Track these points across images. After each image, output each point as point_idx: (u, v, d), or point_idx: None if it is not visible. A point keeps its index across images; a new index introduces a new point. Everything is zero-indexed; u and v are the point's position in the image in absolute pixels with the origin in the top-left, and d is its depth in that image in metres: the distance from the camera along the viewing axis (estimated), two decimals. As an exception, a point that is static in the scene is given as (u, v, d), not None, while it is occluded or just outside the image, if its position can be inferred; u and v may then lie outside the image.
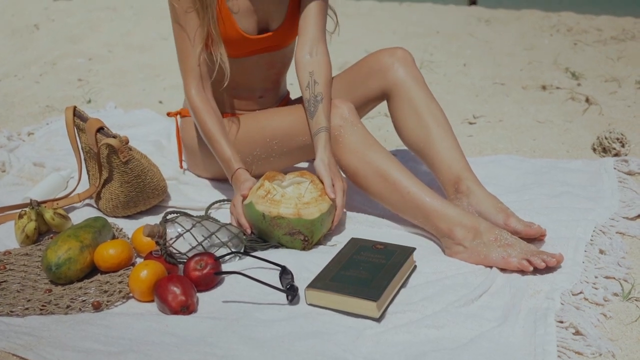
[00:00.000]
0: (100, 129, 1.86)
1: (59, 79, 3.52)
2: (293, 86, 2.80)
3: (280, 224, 1.60)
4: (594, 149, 2.37)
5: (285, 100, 2.17)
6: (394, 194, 1.69)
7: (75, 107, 1.96)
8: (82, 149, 1.97)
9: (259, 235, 1.67)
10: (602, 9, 7.03)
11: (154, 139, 2.46)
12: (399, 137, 1.97)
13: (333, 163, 1.74)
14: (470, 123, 2.77)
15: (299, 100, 2.09)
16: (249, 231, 1.67)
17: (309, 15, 1.90)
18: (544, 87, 3.24)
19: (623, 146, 2.28)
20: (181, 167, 2.19)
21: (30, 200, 1.82)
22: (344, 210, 1.82)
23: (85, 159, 1.98)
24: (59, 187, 2.08)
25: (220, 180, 2.10)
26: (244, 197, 1.68)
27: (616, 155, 2.28)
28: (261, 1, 1.87)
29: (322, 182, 1.69)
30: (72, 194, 1.98)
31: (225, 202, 1.96)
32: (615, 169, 2.12)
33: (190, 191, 2.07)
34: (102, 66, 3.82)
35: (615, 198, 1.90)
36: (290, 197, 1.62)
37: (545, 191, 1.97)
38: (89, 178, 1.98)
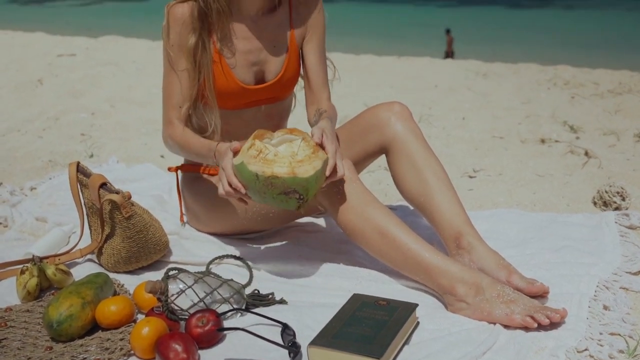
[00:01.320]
0: (103, 185, 1.87)
1: (61, 134, 3.55)
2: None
3: (274, 183, 1.53)
4: (595, 203, 2.38)
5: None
6: (394, 251, 1.68)
7: (78, 163, 1.97)
8: (84, 204, 1.97)
9: (252, 195, 1.60)
10: (598, 62, 7.16)
11: (155, 193, 2.47)
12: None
13: (329, 128, 1.74)
14: (470, 177, 2.78)
15: None
16: (243, 190, 1.60)
17: (312, 67, 1.95)
18: (542, 141, 3.27)
19: (624, 200, 2.29)
20: (182, 221, 2.19)
21: (32, 255, 1.81)
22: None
23: (87, 214, 1.98)
24: (61, 243, 2.07)
25: (222, 235, 2.10)
26: (236, 152, 1.62)
27: (617, 209, 2.28)
28: (259, 52, 1.91)
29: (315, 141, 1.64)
30: (74, 250, 1.98)
31: (227, 258, 1.95)
32: (616, 222, 2.12)
33: (191, 246, 2.07)
34: (104, 121, 3.86)
35: (617, 252, 1.90)
36: (284, 155, 1.55)
37: (546, 245, 1.97)
38: (90, 233, 1.98)
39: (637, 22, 19.31)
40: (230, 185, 1.62)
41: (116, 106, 4.25)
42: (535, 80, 4.96)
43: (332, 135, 1.70)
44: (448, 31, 13.40)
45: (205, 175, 2.07)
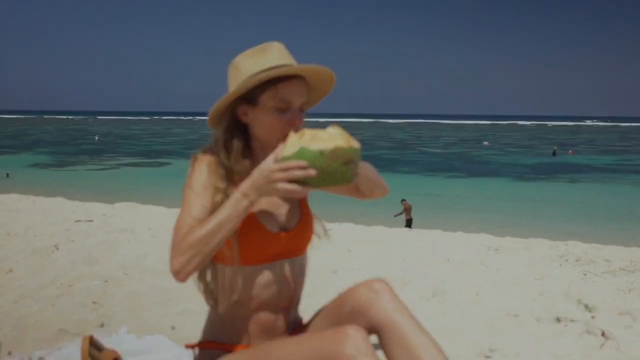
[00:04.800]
0: (116, 361, 1.85)
1: (74, 302, 3.55)
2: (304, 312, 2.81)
3: (338, 154, 1.66)
4: (616, 389, 2.31)
5: (298, 328, 2.14)
6: None
7: (91, 337, 1.96)
8: (95, 380, 1.94)
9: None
10: (609, 239, 7.22)
11: (166, 368, 2.43)
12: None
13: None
14: (486, 357, 2.73)
15: (314, 325, 2.05)
16: (312, 171, 1.64)
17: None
18: (558, 320, 3.23)
19: (646, 386, 2.22)
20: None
21: None
22: None
23: (97, 391, 1.94)
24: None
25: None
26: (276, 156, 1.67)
27: (640, 396, 2.21)
28: (278, 202, 1.94)
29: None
30: None
31: None
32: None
33: None
34: (117, 289, 3.87)
35: None
36: (334, 133, 1.70)
37: None
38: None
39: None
40: (289, 169, 1.65)
41: (129, 274, 4.27)
42: (547, 255, 4.98)
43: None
44: (403, 200, 13.88)
45: (229, 356, 1.99)
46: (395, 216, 13.35)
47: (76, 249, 5.02)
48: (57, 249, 5.05)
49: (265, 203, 1.92)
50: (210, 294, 1.95)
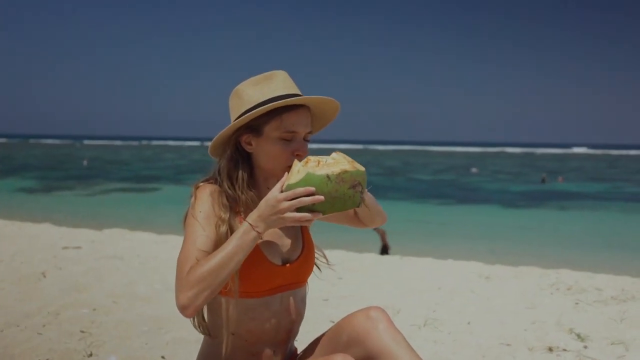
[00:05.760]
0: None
1: (61, 330, 3.50)
2: (298, 342, 2.78)
3: (344, 178, 1.67)
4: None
5: (292, 358, 2.12)
6: None
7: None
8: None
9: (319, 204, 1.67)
10: (600, 267, 7.23)
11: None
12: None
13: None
14: (480, 387, 2.70)
15: (310, 354, 2.02)
16: (320, 197, 1.64)
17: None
18: (550, 349, 3.21)
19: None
20: None
21: None
22: None
23: None
24: None
25: None
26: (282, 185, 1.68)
27: None
28: (281, 234, 1.92)
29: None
30: None
31: None
32: None
33: None
34: (105, 317, 3.82)
35: None
36: (337, 157, 1.73)
37: None
38: None
39: (629, 223, 19.75)
40: (297, 197, 1.65)
41: (118, 302, 4.22)
42: (537, 284, 4.97)
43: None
44: (376, 228, 13.79)
45: None
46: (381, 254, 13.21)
47: (64, 277, 4.97)
48: (44, 276, 4.99)
49: (268, 234, 1.89)
50: (205, 327, 1.92)
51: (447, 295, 4.56)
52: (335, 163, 1.71)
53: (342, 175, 1.67)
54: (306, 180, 1.68)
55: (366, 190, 1.77)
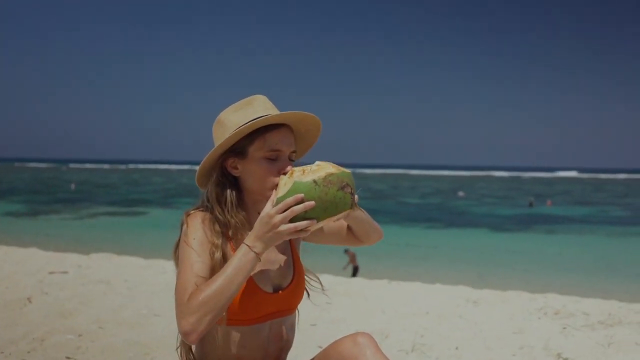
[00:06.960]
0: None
1: (47, 357, 3.46)
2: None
3: (332, 180, 1.68)
4: None
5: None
6: None
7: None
8: None
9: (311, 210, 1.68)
10: (587, 291, 7.25)
11: None
12: None
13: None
14: (468, 414, 2.69)
15: None
16: (311, 203, 1.64)
17: (335, 228, 2.09)
18: (538, 375, 3.21)
19: None
20: None
21: None
22: None
23: None
24: None
25: None
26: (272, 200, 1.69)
27: None
28: (272, 259, 1.92)
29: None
30: None
31: None
32: None
33: None
34: (91, 343, 3.78)
35: None
36: (321, 164, 1.74)
37: None
38: None
39: (617, 247, 19.85)
40: (288, 207, 1.65)
41: (105, 327, 4.18)
42: (525, 308, 4.97)
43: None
44: (346, 250, 13.82)
45: None
46: (344, 268, 13.18)
47: (49, 302, 4.92)
48: (30, 301, 4.94)
49: (263, 262, 1.89)
50: (192, 358, 1.92)
51: (435, 320, 4.55)
52: (320, 168, 1.73)
53: (328, 178, 1.69)
54: (294, 189, 1.69)
55: (356, 194, 1.77)
